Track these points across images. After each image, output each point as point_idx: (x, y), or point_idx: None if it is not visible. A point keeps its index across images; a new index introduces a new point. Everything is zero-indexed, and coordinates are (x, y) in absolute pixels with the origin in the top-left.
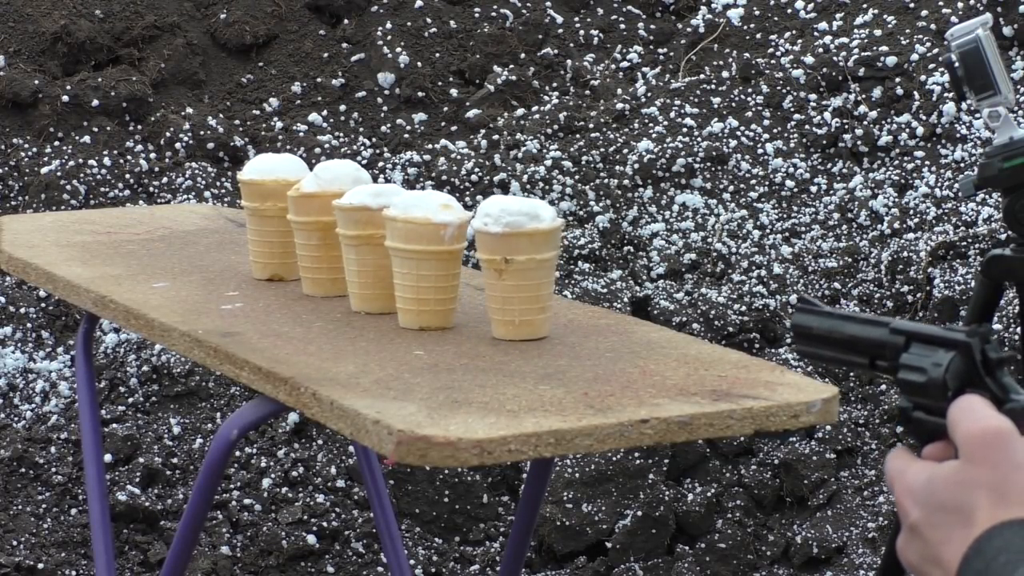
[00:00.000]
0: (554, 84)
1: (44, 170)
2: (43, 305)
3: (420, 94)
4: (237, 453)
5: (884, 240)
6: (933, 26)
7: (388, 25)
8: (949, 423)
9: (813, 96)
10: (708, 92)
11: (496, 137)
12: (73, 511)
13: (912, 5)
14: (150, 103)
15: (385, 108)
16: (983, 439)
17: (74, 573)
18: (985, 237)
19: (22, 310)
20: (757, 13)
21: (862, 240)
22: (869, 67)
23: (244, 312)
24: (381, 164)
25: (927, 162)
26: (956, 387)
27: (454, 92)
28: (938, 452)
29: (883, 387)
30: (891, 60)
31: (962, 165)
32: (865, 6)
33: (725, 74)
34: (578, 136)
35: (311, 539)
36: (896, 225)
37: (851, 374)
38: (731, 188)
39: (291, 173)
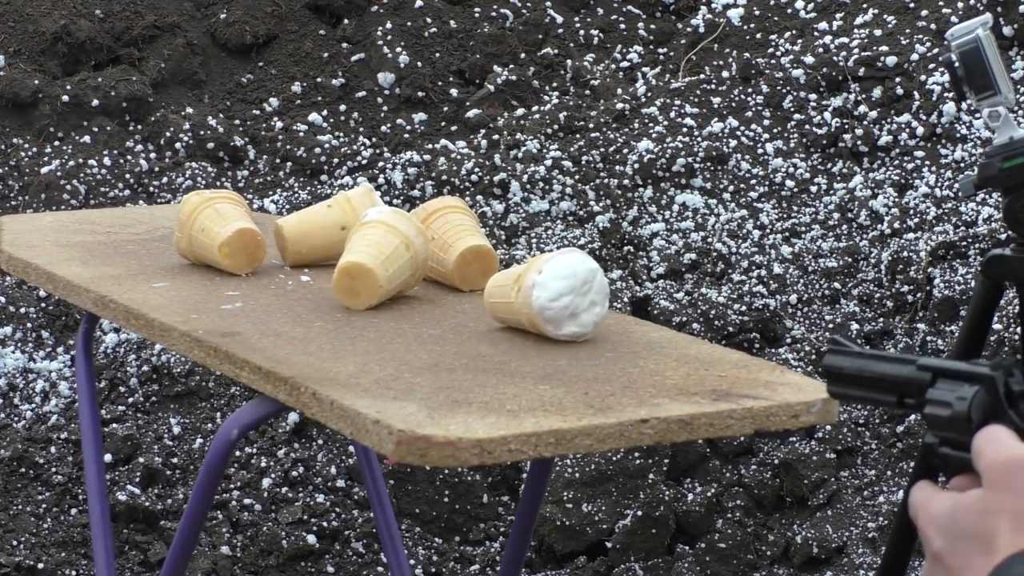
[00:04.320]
0: (554, 84)
1: (44, 170)
2: (43, 305)
3: (420, 94)
4: (237, 453)
5: (884, 240)
6: (933, 26)
7: (388, 25)
8: (973, 452)
9: (813, 96)
10: (708, 92)
11: (496, 137)
12: (73, 511)
13: (912, 5)
14: (150, 103)
15: (385, 108)
16: (1006, 468)
17: (74, 573)
18: (985, 237)
19: (22, 310)
20: (757, 13)
21: (862, 240)
22: (869, 67)
23: (244, 312)
24: (381, 164)
25: (927, 162)
26: (980, 420)
27: (454, 92)
28: (964, 484)
29: None
30: (891, 60)
31: (962, 165)
32: (865, 6)
33: (725, 74)
34: (578, 136)
35: (311, 539)
36: (896, 225)
37: None
38: (731, 188)
39: None
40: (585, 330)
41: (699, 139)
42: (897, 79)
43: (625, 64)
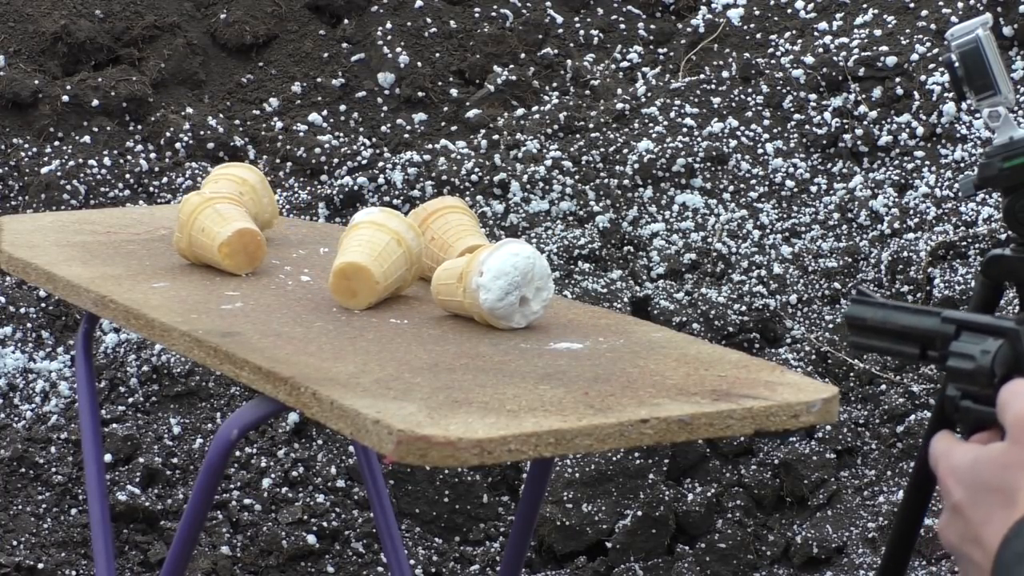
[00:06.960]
0: (554, 84)
1: (44, 170)
2: (43, 305)
3: (420, 94)
4: (237, 453)
5: (884, 240)
6: (933, 26)
7: (388, 25)
8: (999, 405)
9: (813, 96)
10: (708, 92)
11: (496, 137)
12: (73, 511)
13: (912, 5)
14: (150, 103)
15: (385, 108)
16: None
17: (74, 573)
18: (985, 237)
19: (22, 310)
20: (757, 13)
21: (862, 240)
22: (869, 67)
23: (244, 312)
24: (381, 164)
25: (927, 162)
26: (1003, 374)
27: (454, 92)
28: (984, 439)
29: (883, 387)
30: (891, 60)
31: (962, 165)
32: (865, 6)
33: (725, 74)
34: (578, 136)
35: (311, 539)
36: (896, 225)
37: (851, 374)
38: (731, 188)
39: None
40: (536, 316)
41: (699, 139)
42: (897, 79)
43: (625, 64)
